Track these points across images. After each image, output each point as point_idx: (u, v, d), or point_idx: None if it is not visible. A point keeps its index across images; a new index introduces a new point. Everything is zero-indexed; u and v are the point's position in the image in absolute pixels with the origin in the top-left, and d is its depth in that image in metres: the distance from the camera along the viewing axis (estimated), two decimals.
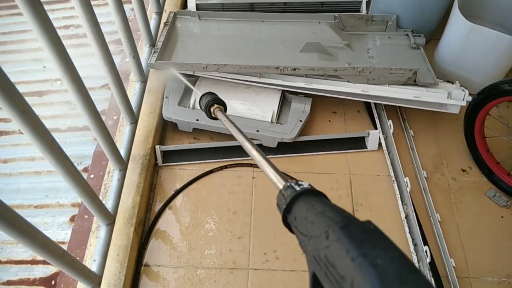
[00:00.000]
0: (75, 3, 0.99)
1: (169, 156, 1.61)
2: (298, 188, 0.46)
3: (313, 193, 0.45)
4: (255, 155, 0.68)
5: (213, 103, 1.03)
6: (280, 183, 0.52)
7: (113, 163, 1.27)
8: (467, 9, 1.67)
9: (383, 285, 0.26)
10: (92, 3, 1.09)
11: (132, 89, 1.55)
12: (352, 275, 0.29)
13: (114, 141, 1.59)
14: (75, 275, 1.01)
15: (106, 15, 2.41)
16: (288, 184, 0.48)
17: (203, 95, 1.07)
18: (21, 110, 0.73)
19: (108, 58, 1.16)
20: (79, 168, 1.94)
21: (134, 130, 1.41)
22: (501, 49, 1.56)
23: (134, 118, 1.40)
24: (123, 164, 1.30)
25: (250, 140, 0.76)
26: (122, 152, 1.33)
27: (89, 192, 1.06)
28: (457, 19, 1.59)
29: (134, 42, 1.38)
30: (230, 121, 0.92)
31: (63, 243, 1.64)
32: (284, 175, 0.56)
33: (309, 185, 0.47)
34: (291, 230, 0.46)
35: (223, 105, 1.05)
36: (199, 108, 1.60)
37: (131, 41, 1.36)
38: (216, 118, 1.04)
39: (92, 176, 1.79)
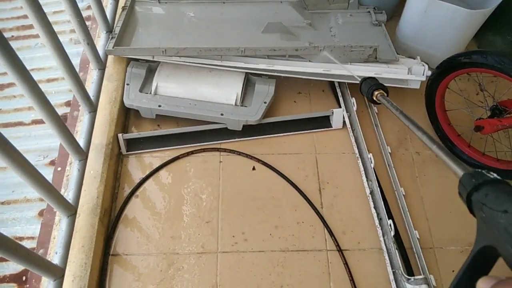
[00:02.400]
0: None
1: (133, 144, 1.59)
2: (491, 175, 0.51)
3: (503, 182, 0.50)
4: (428, 142, 0.73)
5: (377, 88, 1.06)
6: (462, 170, 0.58)
7: (72, 153, 1.24)
8: None
9: None
10: None
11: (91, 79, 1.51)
12: None
13: (75, 131, 1.57)
14: (36, 269, 0.99)
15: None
16: (477, 170, 0.54)
17: (364, 80, 1.09)
18: None
19: (57, 46, 1.13)
20: (46, 161, 1.91)
21: (93, 119, 1.37)
22: (458, 22, 1.58)
23: (92, 107, 1.37)
24: (82, 154, 1.27)
25: (419, 126, 0.79)
26: (81, 142, 1.30)
27: (45, 184, 1.03)
28: None
29: (87, 28, 1.33)
30: (395, 106, 0.94)
31: (32, 238, 1.62)
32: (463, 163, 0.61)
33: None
34: (470, 209, 0.52)
35: (385, 90, 1.07)
36: (161, 93, 1.58)
37: (84, 27, 1.31)
38: (377, 103, 1.06)
39: (59, 169, 1.75)
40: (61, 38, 1.26)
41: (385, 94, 1.08)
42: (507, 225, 0.41)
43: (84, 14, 2.51)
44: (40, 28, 1.07)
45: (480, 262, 0.47)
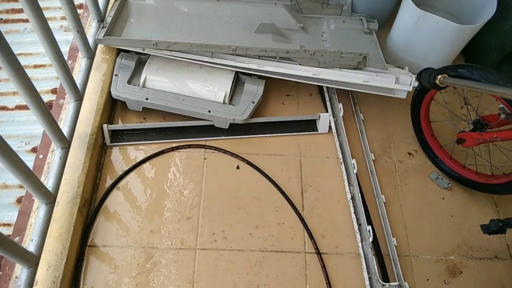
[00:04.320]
0: None
1: (118, 135, 1.57)
2: None
3: None
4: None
5: (440, 72, 1.13)
6: None
7: (55, 140, 1.23)
8: None
9: None
10: None
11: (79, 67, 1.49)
12: None
13: (59, 119, 1.55)
14: (9, 255, 0.98)
15: None
16: None
17: (421, 72, 1.16)
18: None
19: (47, 32, 1.11)
20: (28, 148, 1.88)
21: (78, 108, 1.36)
22: (448, 36, 1.61)
23: (78, 95, 1.35)
24: (65, 142, 1.25)
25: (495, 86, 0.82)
26: (65, 130, 1.29)
27: (25, 170, 1.02)
28: (407, 6, 1.62)
29: (78, 16, 1.32)
30: (465, 80, 1.01)
31: (8, 225, 1.59)
32: None
33: None
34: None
35: (447, 73, 1.14)
36: (149, 86, 1.57)
37: (74, 14, 1.30)
38: (444, 87, 1.12)
39: (41, 156, 1.72)
40: (51, 24, 1.24)
41: (447, 76, 1.11)
42: None
43: (76, 1, 2.48)
44: (30, 12, 1.06)
45: None
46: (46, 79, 2.12)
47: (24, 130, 1.86)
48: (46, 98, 2.07)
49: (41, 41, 1.15)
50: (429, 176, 1.63)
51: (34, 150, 1.83)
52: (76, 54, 2.01)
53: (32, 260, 1.07)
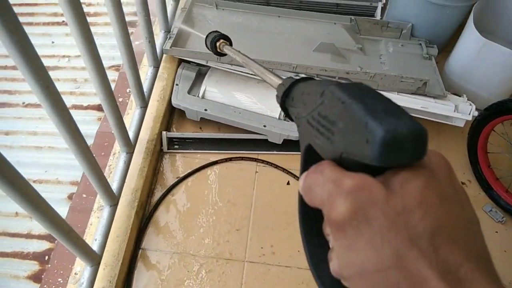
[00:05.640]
0: None
1: (175, 143, 1.62)
2: (297, 77, 0.48)
3: (311, 79, 0.46)
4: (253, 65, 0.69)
5: (219, 38, 1.02)
6: (278, 80, 0.53)
7: (121, 145, 1.28)
8: (481, 24, 1.69)
9: (369, 115, 0.27)
10: None
11: (144, 73, 1.55)
12: (342, 116, 0.30)
13: None
14: (78, 252, 1.02)
15: None
16: (288, 76, 0.51)
17: (208, 35, 1.07)
18: (45, 85, 0.73)
19: (127, 40, 1.16)
20: None
21: (143, 114, 1.41)
22: (511, 67, 1.58)
23: (144, 102, 1.40)
24: (130, 147, 1.30)
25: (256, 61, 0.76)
26: (131, 135, 1.34)
27: (98, 171, 1.06)
28: (470, 33, 1.60)
29: (151, 27, 1.38)
30: (238, 51, 0.90)
31: None
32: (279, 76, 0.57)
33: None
34: (288, 116, 0.48)
35: (228, 40, 1.03)
36: (208, 98, 1.61)
37: (149, 24, 1.36)
38: (224, 54, 1.03)
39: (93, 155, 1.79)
40: (108, 29, 1.28)
41: (230, 45, 1.04)
42: (308, 116, 0.38)
43: (129, 9, 2.56)
44: (114, 16, 1.10)
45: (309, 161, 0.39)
46: None
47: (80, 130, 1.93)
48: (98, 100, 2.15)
49: (120, 48, 1.20)
50: (483, 208, 1.59)
51: None
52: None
53: (96, 259, 1.11)
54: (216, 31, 1.06)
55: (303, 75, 0.50)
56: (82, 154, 0.96)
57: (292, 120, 0.47)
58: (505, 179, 1.58)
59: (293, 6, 1.96)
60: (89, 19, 2.38)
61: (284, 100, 0.48)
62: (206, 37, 1.10)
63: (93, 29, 2.26)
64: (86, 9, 2.40)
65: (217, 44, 1.03)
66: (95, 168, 1.04)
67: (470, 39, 1.63)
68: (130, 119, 1.42)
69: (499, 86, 1.68)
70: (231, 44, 1.03)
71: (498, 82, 1.66)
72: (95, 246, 1.14)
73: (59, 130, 0.88)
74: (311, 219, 0.40)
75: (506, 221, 1.56)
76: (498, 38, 1.81)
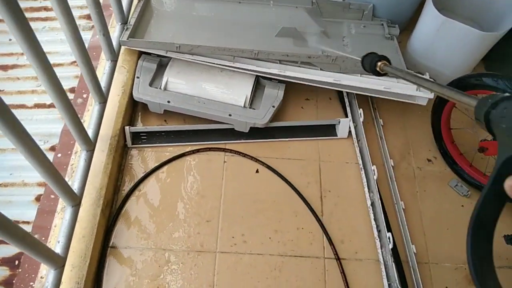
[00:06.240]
0: None
1: (139, 137, 1.58)
2: (505, 94, 0.57)
3: None
4: (435, 87, 0.82)
5: (379, 59, 1.10)
6: (475, 99, 0.63)
7: (80, 143, 1.24)
8: (440, 2, 1.70)
9: None
10: None
11: (103, 67, 1.50)
12: None
13: (82, 120, 1.56)
14: (38, 257, 0.99)
15: None
16: (490, 94, 0.59)
17: (365, 56, 1.14)
18: None
19: (76, 35, 1.12)
20: (46, 146, 1.90)
21: (102, 110, 1.37)
22: (470, 43, 1.60)
23: (103, 98, 1.37)
24: (90, 145, 1.27)
25: (426, 78, 0.86)
26: (90, 132, 1.30)
27: (54, 172, 1.03)
28: (429, 11, 1.61)
29: (104, 19, 1.33)
30: (401, 69, 0.98)
31: (27, 223, 1.61)
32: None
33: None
34: (489, 128, 0.57)
35: (388, 60, 1.10)
36: (171, 89, 1.58)
37: (101, 17, 1.31)
38: (384, 74, 1.11)
39: (59, 155, 1.74)
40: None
41: (389, 63, 1.10)
42: None
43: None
44: (58, 10, 1.06)
45: (506, 173, 0.51)
46: (63, 78, 2.10)
47: (43, 129, 1.88)
48: None
49: (70, 44, 1.16)
50: (448, 183, 1.62)
51: (52, 148, 1.85)
52: (95, 53, 2.02)
53: (59, 262, 1.09)
54: (373, 53, 1.15)
55: (507, 94, 0.56)
56: (32, 156, 0.93)
57: (493, 135, 0.55)
58: (468, 154, 1.62)
59: None
60: (46, 14, 2.29)
61: (490, 111, 0.56)
62: (363, 59, 1.17)
63: (50, 23, 2.17)
64: (42, 3, 2.32)
65: (378, 64, 1.10)
66: (49, 168, 1.00)
67: (430, 18, 1.64)
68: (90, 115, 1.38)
69: (460, 62, 1.70)
70: (390, 63, 1.10)
71: (458, 59, 1.69)
72: (58, 249, 1.12)
73: (3, 133, 0.84)
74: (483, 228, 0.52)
75: (471, 194, 1.60)
76: (457, 15, 1.83)
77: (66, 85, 2.08)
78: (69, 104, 1.10)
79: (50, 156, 1.76)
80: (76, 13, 2.27)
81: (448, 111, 1.57)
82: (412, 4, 1.82)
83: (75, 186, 1.21)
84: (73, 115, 1.13)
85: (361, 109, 1.65)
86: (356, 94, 1.72)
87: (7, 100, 0.84)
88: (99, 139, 1.42)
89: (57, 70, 2.24)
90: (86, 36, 2.13)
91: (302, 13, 1.77)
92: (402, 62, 1.64)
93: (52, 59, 2.21)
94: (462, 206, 1.58)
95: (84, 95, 1.90)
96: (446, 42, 1.65)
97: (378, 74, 1.13)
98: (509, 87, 1.29)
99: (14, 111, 1.97)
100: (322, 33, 1.72)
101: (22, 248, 0.92)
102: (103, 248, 1.36)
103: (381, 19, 1.82)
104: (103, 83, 1.40)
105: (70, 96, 2.01)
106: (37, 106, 1.98)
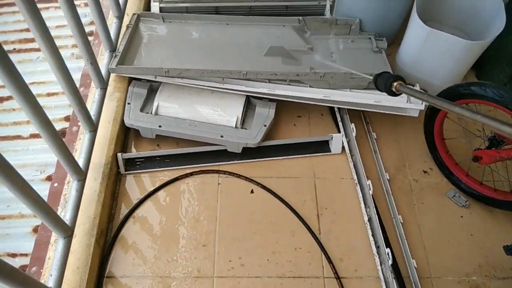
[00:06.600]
0: (20, 7, 0.95)
1: (132, 163, 1.58)
2: None
3: None
4: (469, 114, 0.79)
5: (394, 79, 1.09)
6: None
7: (71, 173, 1.23)
8: (426, 13, 1.71)
9: None
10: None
11: (93, 95, 1.51)
12: None
13: (74, 149, 1.56)
14: None
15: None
16: None
17: (378, 75, 1.14)
18: None
19: (61, 65, 1.12)
20: (42, 176, 1.90)
21: (93, 139, 1.37)
22: (457, 52, 1.60)
23: (93, 126, 1.37)
24: (81, 174, 1.26)
25: (452, 103, 0.85)
26: (81, 161, 1.30)
27: (42, 204, 1.02)
28: (415, 23, 1.62)
29: (91, 48, 1.34)
30: (419, 91, 0.97)
31: (25, 255, 1.59)
32: None
33: None
34: None
35: (403, 80, 1.09)
36: (162, 113, 1.58)
37: (88, 47, 1.32)
38: (399, 94, 1.10)
39: (56, 184, 1.74)
40: (63, 52, 1.24)
41: (404, 83, 1.09)
42: None
43: (87, 29, 2.51)
44: (42, 43, 1.06)
45: None
46: (59, 107, 2.15)
47: (39, 159, 1.88)
48: (59, 125, 2.10)
49: (55, 74, 1.16)
50: (446, 194, 1.60)
51: (49, 178, 1.85)
52: (89, 81, 2.04)
53: None
54: (387, 72, 1.15)
55: None
56: (17, 188, 0.92)
57: None
58: (464, 163, 1.60)
59: (243, 12, 1.95)
60: (34, 45, 2.31)
61: None
62: (376, 78, 1.17)
63: (30, 55, 2.18)
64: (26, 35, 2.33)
65: (394, 85, 1.10)
66: (37, 201, 1.00)
67: (416, 30, 1.65)
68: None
69: (449, 72, 1.70)
70: (405, 83, 1.09)
71: (447, 68, 1.69)
72: (51, 282, 1.10)
73: None
74: None
75: (469, 204, 1.58)
76: (443, 25, 1.84)
77: (61, 113, 2.11)
78: (56, 135, 1.09)
79: (47, 185, 1.76)
80: (68, 42, 2.30)
81: (440, 121, 1.56)
82: (399, 16, 1.83)
83: (66, 216, 1.20)
84: (61, 145, 1.12)
85: (353, 124, 1.65)
86: (348, 109, 1.72)
87: (3, 131, 0.84)
88: (91, 167, 1.42)
89: (52, 99, 2.25)
90: (80, 64, 2.16)
91: (289, 31, 1.78)
92: None
93: (47, 89, 2.24)
94: (461, 217, 1.56)
95: (79, 123, 1.90)
96: (434, 53, 1.65)
97: (393, 94, 1.11)
98: (497, 95, 1.29)
99: (10, 142, 1.98)
100: (310, 50, 1.72)
101: (10, 285, 0.91)
102: (98, 279, 1.34)
103: (368, 33, 1.82)
104: (92, 111, 1.40)
105: (66, 124, 2.02)
106: (33, 136, 1.98)
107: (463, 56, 1.63)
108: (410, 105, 1.54)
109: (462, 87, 1.40)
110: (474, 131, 1.64)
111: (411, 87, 1.06)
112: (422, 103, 1.54)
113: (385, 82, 1.11)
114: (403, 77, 1.12)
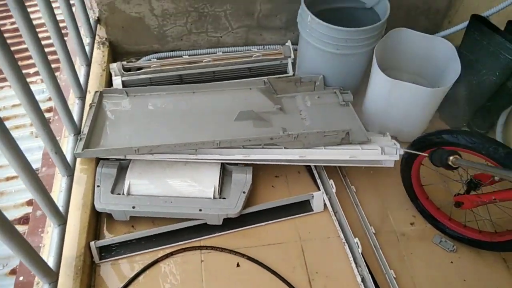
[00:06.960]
0: None
1: (107, 250, 1.47)
2: None
3: None
4: None
5: (450, 154, 1.20)
6: None
7: (41, 277, 1.12)
8: (386, 62, 1.77)
9: None
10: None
11: (59, 183, 1.41)
12: None
13: (41, 244, 1.44)
14: None
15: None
16: None
17: (433, 152, 1.27)
18: None
19: (21, 159, 1.04)
20: (6, 270, 1.76)
21: (63, 232, 1.27)
22: (421, 100, 1.65)
23: (62, 219, 1.27)
24: (52, 276, 1.15)
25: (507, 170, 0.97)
26: (51, 260, 1.19)
27: None
28: (377, 76, 1.66)
29: (54, 137, 1.27)
30: (477, 163, 1.12)
31: None
32: None
33: None
34: None
35: (458, 154, 1.21)
36: (134, 192, 1.50)
37: (51, 136, 1.25)
38: (456, 168, 1.22)
39: (21, 278, 1.60)
40: (21, 132, 1.14)
41: (459, 157, 1.21)
42: None
43: (45, 106, 2.43)
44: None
45: None
46: (20, 191, 2.03)
47: (2, 251, 1.74)
48: (21, 211, 1.97)
49: (11, 165, 1.06)
50: (432, 241, 1.59)
51: (13, 272, 1.71)
52: (51, 160, 1.94)
53: None
54: (441, 149, 1.26)
55: None
56: None
57: None
58: (445, 208, 1.60)
59: (208, 78, 1.95)
60: None
61: None
62: (431, 155, 1.29)
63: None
64: None
65: (450, 159, 1.21)
66: None
67: (379, 82, 1.69)
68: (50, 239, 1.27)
69: (416, 118, 1.75)
70: (461, 156, 1.20)
71: (414, 115, 1.73)
72: None
73: None
74: None
75: (457, 249, 1.56)
76: (403, 72, 1.91)
77: (23, 198, 2.01)
78: (19, 235, 0.99)
79: (11, 281, 1.62)
80: (27, 121, 2.20)
81: (416, 169, 1.57)
82: (359, 69, 1.89)
83: None
84: (26, 247, 1.02)
85: (331, 180, 1.63)
86: (325, 166, 1.71)
87: None
88: (63, 263, 1.30)
89: (11, 183, 2.13)
90: (40, 143, 2.05)
91: (256, 94, 1.79)
92: (363, 128, 1.65)
93: (6, 173, 2.11)
94: (452, 262, 1.54)
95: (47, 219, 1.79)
96: (399, 102, 1.69)
97: (451, 168, 1.24)
98: (469, 142, 1.32)
99: None
100: (279, 110, 1.73)
101: None
102: None
103: (333, 87, 1.86)
104: (60, 203, 1.31)
105: (28, 209, 1.91)
106: None
107: (427, 103, 1.68)
108: (385, 157, 1.55)
109: (434, 135, 1.43)
110: (452, 176, 1.65)
111: (469, 160, 1.20)
112: (397, 154, 1.55)
113: (440, 158, 1.26)
114: (459, 152, 1.26)
